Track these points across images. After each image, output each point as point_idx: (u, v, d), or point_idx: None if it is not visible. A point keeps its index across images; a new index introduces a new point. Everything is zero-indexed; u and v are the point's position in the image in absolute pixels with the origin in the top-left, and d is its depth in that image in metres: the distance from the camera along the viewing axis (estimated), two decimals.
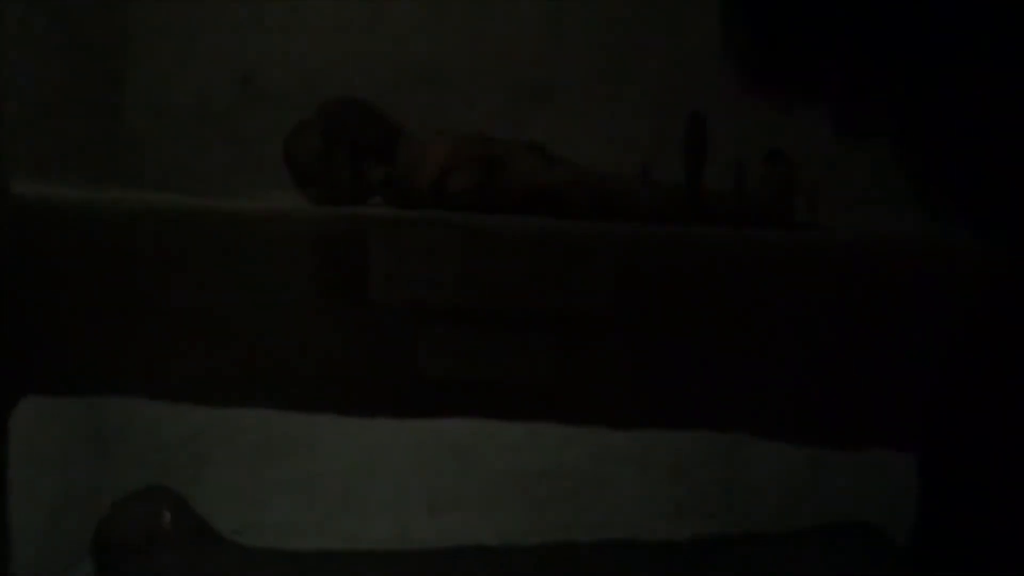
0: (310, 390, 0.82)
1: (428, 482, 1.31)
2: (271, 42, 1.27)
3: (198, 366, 0.82)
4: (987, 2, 0.76)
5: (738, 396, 0.78)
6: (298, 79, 1.25)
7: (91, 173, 1.22)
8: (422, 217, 0.81)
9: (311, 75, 1.24)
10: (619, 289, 0.78)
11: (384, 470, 1.31)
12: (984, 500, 0.72)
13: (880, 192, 0.93)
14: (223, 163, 1.25)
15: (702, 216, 0.82)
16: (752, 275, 0.77)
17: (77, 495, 1.27)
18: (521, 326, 0.79)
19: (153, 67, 1.28)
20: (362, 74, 1.23)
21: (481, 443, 1.30)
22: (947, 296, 0.75)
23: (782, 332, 0.77)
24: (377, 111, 0.93)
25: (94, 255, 0.82)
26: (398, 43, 1.26)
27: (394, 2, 1.26)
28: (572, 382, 0.79)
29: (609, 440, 1.29)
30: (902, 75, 0.81)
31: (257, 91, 1.27)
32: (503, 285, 0.79)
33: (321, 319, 0.81)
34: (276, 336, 0.81)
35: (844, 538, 1.02)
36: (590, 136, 1.17)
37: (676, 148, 0.84)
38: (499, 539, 1.12)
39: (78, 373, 0.83)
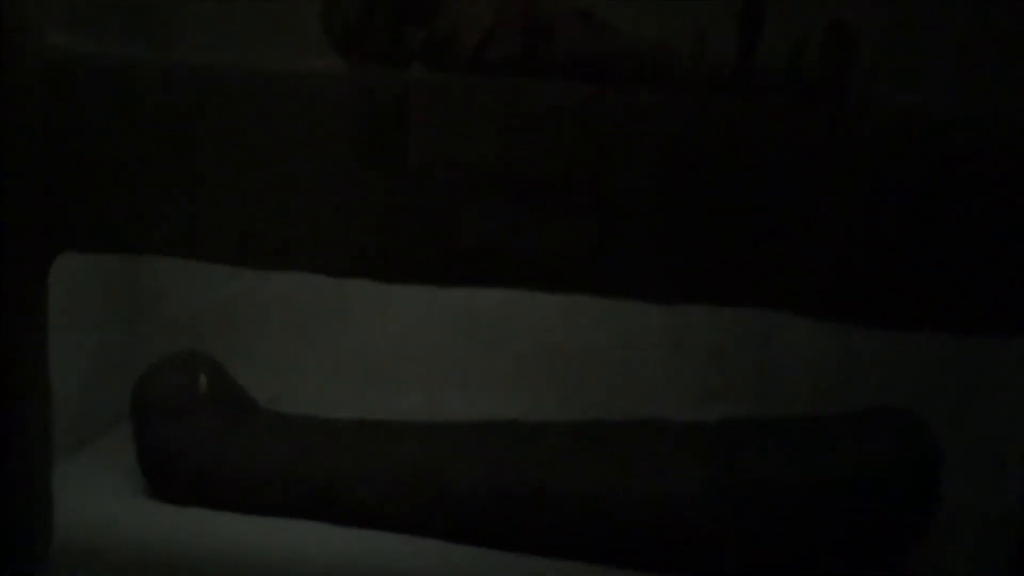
0: (346, 255, 0.81)
1: (460, 357, 1.31)
2: None
3: (233, 228, 0.81)
4: None
5: (781, 273, 0.76)
6: None
7: (124, 30, 1.20)
8: (464, 82, 0.78)
9: None
10: (662, 161, 0.76)
11: (416, 344, 1.32)
12: None
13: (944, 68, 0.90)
14: (257, 25, 1.22)
15: (753, 90, 0.79)
16: (799, 151, 0.74)
17: (114, 358, 1.29)
18: (562, 196, 0.78)
19: None
20: None
21: (514, 320, 1.30)
22: (1007, 176, 0.72)
23: (828, 208, 0.75)
24: None
25: (130, 114, 0.81)
26: None
27: None
28: (611, 254, 0.77)
29: (643, 322, 1.28)
30: None
31: None
32: (545, 154, 0.77)
33: (359, 184, 0.79)
34: (313, 200, 0.80)
35: (878, 423, 1.01)
36: (644, 4, 1.13)
37: (734, 21, 0.81)
38: (529, 416, 1.13)
39: (112, 230, 0.82)
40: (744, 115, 0.75)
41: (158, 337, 1.32)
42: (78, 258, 1.04)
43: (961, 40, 1.08)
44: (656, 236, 0.77)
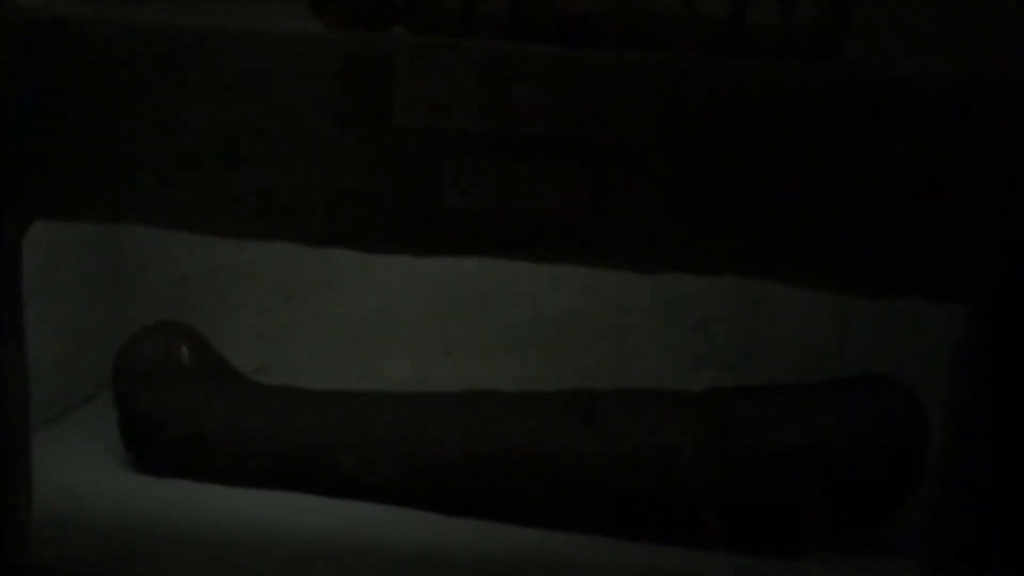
0: (328, 222, 0.79)
1: (446, 326, 1.30)
2: None
3: (209, 196, 0.80)
4: None
5: (771, 239, 0.75)
6: None
7: None
8: (449, 43, 0.77)
9: None
10: (651, 122, 0.74)
11: (402, 313, 1.31)
12: None
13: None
14: None
15: (744, 49, 0.77)
16: (791, 111, 0.73)
17: (95, 328, 1.27)
18: (550, 157, 0.76)
19: None
20: None
21: (501, 289, 1.29)
22: (1005, 140, 0.71)
23: (820, 172, 0.73)
24: None
25: (104, 75, 0.78)
26: None
27: None
28: (600, 218, 0.76)
29: (631, 291, 1.27)
30: None
31: None
32: (532, 115, 0.76)
33: (342, 148, 0.77)
34: (293, 165, 0.78)
35: (866, 390, 1.00)
36: None
37: None
38: (516, 385, 1.12)
39: (85, 198, 0.80)
40: (734, 77, 0.74)
41: (140, 307, 1.30)
42: (58, 226, 1.03)
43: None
44: (644, 203, 0.76)
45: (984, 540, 0.74)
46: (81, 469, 1.08)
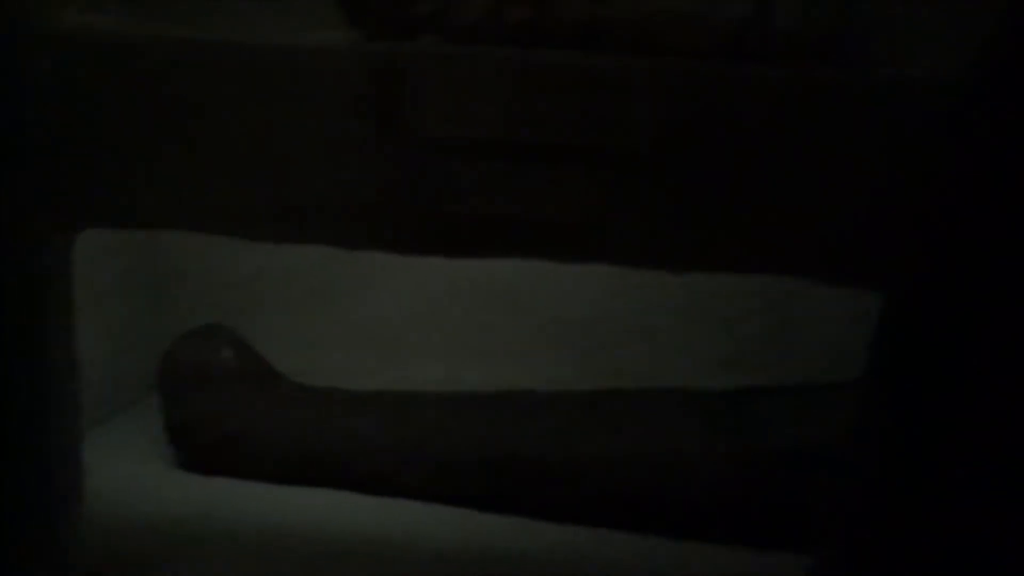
0: (355, 227, 0.82)
1: (477, 328, 1.32)
2: None
3: (242, 202, 0.83)
4: None
5: (793, 238, 0.77)
6: None
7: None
8: (472, 52, 0.79)
9: None
10: (665, 128, 0.76)
11: (435, 316, 1.33)
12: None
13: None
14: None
15: (768, 55, 0.79)
16: (806, 115, 0.75)
17: (140, 332, 1.31)
18: (569, 163, 0.78)
19: None
20: None
21: (530, 291, 1.31)
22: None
23: (839, 172, 0.75)
24: None
25: (136, 88, 0.82)
26: None
27: None
28: (621, 221, 0.78)
29: (657, 291, 1.29)
30: None
31: None
32: (553, 122, 0.78)
33: (366, 155, 0.80)
34: (321, 173, 0.81)
35: None
36: None
37: None
38: (547, 385, 1.14)
39: (125, 206, 0.84)
40: (748, 80, 0.76)
41: (182, 312, 1.34)
42: (103, 234, 1.06)
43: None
44: (665, 203, 0.78)
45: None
46: (130, 468, 1.12)
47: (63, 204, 0.85)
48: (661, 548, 0.99)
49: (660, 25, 0.82)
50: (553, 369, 1.29)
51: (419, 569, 0.95)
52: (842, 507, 0.60)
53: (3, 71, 0.81)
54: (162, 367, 1.14)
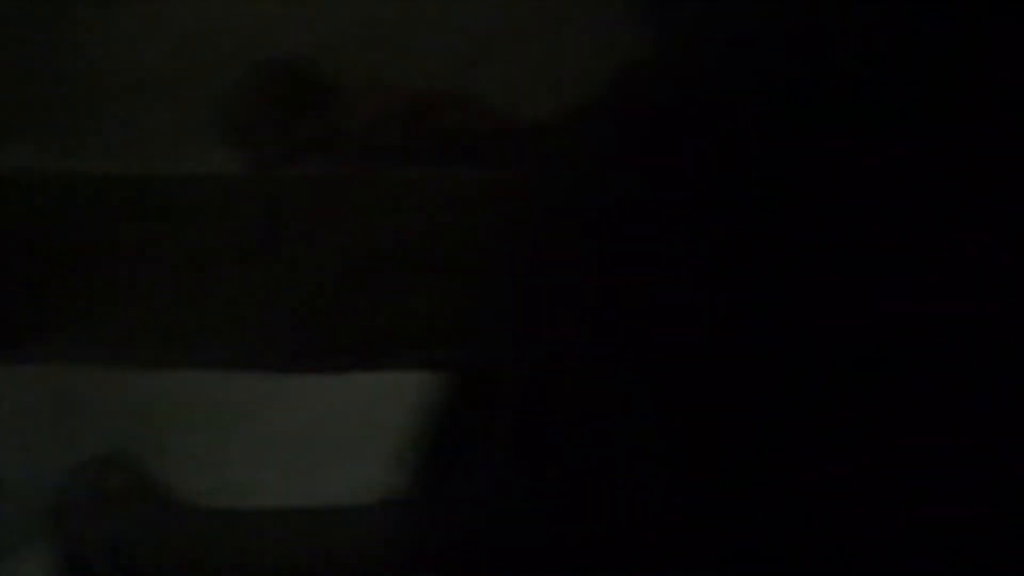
0: (239, 347, 0.83)
1: (381, 438, 1.32)
2: (210, 6, 1.26)
3: (139, 329, 0.83)
4: None
5: None
6: (237, 42, 1.24)
7: (32, 138, 1.22)
8: (341, 174, 0.82)
9: (249, 38, 1.24)
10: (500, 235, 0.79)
11: (338, 427, 1.32)
12: None
13: None
14: (168, 123, 1.25)
15: None
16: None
17: (34, 466, 1.28)
18: (433, 269, 0.80)
19: (95, 33, 1.27)
20: (300, 33, 1.23)
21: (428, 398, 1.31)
22: None
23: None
24: (311, 69, 0.93)
25: (33, 223, 0.82)
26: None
27: None
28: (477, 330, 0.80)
29: None
30: None
31: (196, 56, 1.26)
32: (424, 234, 0.80)
33: (244, 277, 0.81)
34: (202, 296, 0.82)
35: None
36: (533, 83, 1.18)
37: None
38: None
39: (9, 340, 0.84)
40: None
41: (83, 441, 1.31)
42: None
43: None
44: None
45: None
46: None
47: None
48: None
49: (525, 139, 0.86)
50: None
51: None
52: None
53: None
54: (52, 503, 1.11)
